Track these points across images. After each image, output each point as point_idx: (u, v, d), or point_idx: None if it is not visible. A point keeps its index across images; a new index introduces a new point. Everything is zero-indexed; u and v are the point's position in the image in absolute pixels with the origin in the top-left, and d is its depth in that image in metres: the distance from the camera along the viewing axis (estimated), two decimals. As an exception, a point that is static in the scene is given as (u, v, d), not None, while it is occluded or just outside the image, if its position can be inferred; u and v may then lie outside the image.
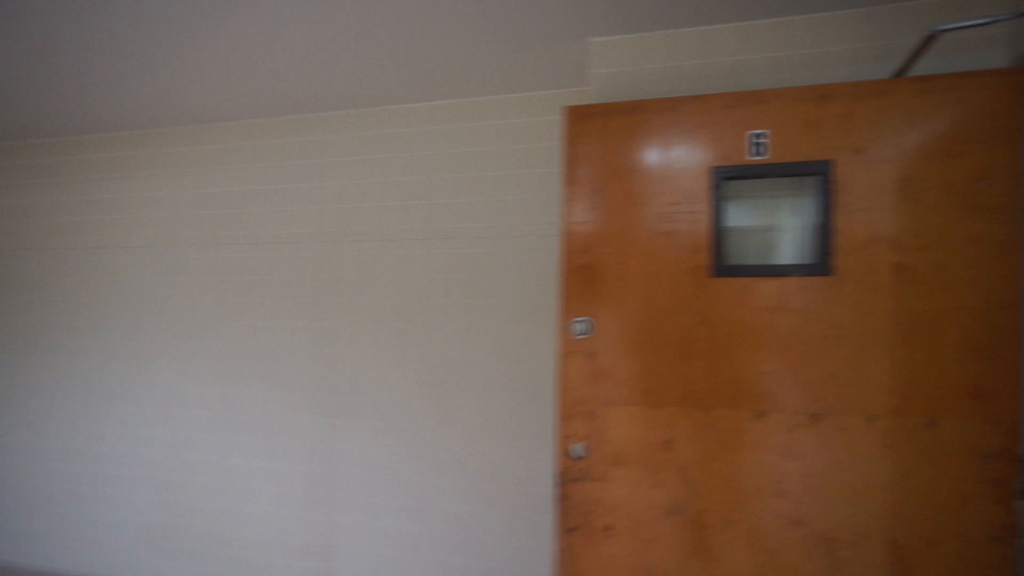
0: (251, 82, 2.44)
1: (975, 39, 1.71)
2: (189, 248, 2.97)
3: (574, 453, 1.88)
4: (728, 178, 1.76)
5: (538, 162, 2.48)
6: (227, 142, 2.93)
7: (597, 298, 1.84)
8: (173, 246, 3.00)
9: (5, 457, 3.26)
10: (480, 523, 2.51)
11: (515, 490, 2.47)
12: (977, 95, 1.58)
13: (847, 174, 1.66)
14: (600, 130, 1.84)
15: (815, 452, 1.67)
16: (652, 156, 1.81)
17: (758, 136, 1.73)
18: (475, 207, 2.55)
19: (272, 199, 2.83)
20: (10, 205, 3.30)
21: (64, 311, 3.17)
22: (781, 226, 1.81)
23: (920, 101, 1.62)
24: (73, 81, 2.44)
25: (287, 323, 2.79)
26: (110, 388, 3.08)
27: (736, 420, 1.73)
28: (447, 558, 2.54)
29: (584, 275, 1.85)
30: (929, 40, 1.46)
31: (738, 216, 1.83)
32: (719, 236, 1.75)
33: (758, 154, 1.73)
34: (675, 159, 1.79)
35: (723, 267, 1.75)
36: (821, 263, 1.67)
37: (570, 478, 1.87)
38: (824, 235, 1.67)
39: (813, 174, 1.70)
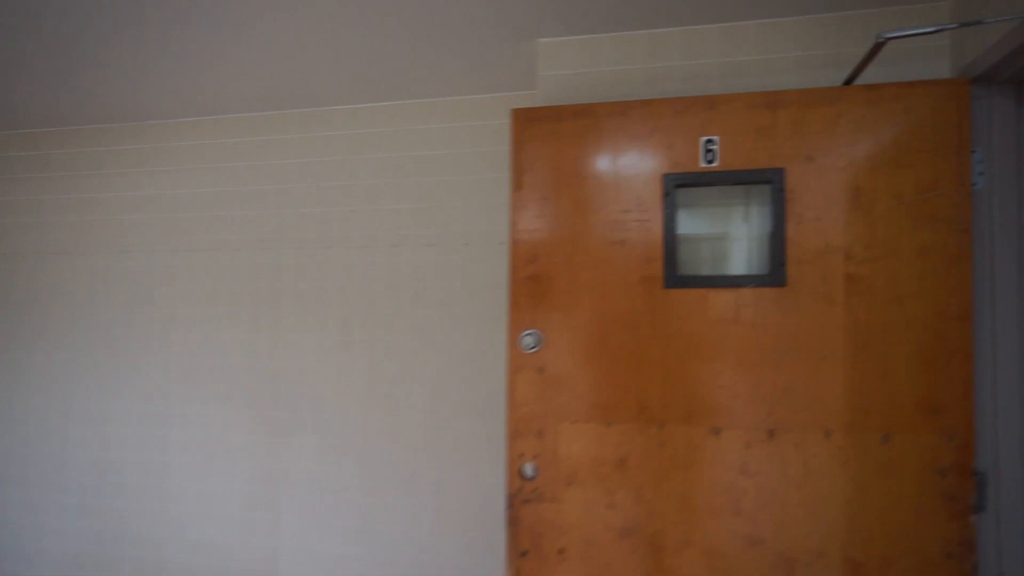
0: (180, 79, 2.28)
1: (919, 49, 1.70)
2: (116, 255, 2.78)
3: (525, 473, 1.78)
4: (680, 185, 1.70)
5: (488, 167, 2.39)
6: (157, 142, 2.77)
7: (547, 310, 1.76)
8: (98, 252, 2.81)
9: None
10: (431, 545, 2.39)
11: (467, 510, 2.37)
12: (923, 105, 1.56)
13: (799, 183, 1.62)
14: (548, 134, 1.76)
15: (772, 469, 1.62)
16: (602, 162, 1.73)
17: (710, 143, 1.68)
18: (423, 213, 2.45)
19: (207, 203, 2.68)
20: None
21: (-25, 326, 2.93)
22: (734, 235, 1.76)
23: (869, 110, 1.59)
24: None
25: (224, 335, 2.63)
26: (33, 407, 2.85)
27: (691, 437, 1.67)
28: (395, 584, 2.41)
29: (533, 286, 1.77)
30: (877, 48, 1.43)
31: (691, 224, 1.77)
32: (672, 245, 1.69)
33: (710, 161, 1.68)
34: (626, 165, 1.72)
35: (676, 277, 1.69)
36: (775, 274, 1.63)
37: (521, 500, 1.77)
38: (777, 245, 1.63)
39: (765, 182, 1.65)
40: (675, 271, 1.69)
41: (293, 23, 1.85)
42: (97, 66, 2.17)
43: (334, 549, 2.46)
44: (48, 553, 2.79)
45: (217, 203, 2.68)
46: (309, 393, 2.53)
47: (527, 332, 1.77)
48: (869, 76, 1.74)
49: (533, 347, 1.77)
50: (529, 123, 1.77)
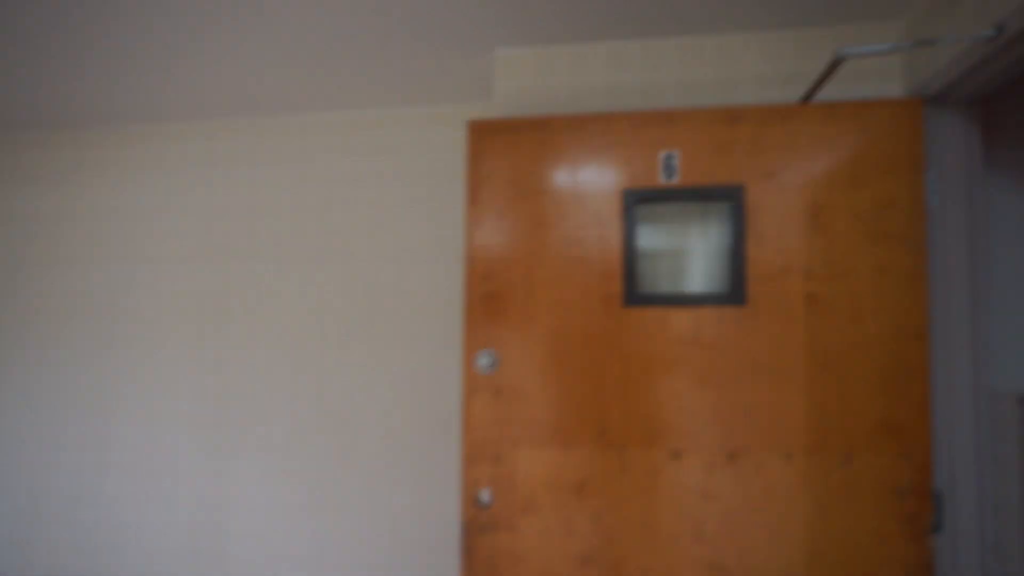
0: (120, 81, 2.14)
1: (873, 69, 1.71)
2: (51, 267, 2.61)
3: (481, 500, 1.70)
4: (640, 201, 1.66)
5: (445, 179, 2.32)
6: (97, 150, 2.61)
7: (503, 329, 1.69)
8: (31, 265, 2.62)
9: None
10: (386, 575, 2.28)
11: (424, 536, 2.27)
12: (879, 124, 1.56)
13: (758, 200, 1.60)
14: (505, 147, 1.70)
15: (733, 493, 1.58)
16: (561, 176, 1.68)
17: (670, 158, 1.65)
18: (377, 227, 2.36)
19: (149, 214, 2.54)
20: None
21: None
22: (694, 252, 1.72)
23: (827, 127, 1.58)
24: None
25: (167, 353, 2.49)
26: (-57, 435, 2.64)
27: (652, 460, 1.62)
28: (346, 617, 2.30)
29: (489, 303, 1.70)
30: (836, 64, 1.42)
31: (651, 241, 1.73)
32: (632, 263, 1.65)
33: (670, 176, 1.65)
34: (585, 180, 1.68)
35: (636, 296, 1.64)
36: (735, 292, 1.59)
37: (476, 528, 1.69)
38: (737, 263, 1.60)
39: (725, 199, 1.62)
40: (635, 289, 1.64)
41: (242, 30, 1.75)
42: (25, 73, 2.02)
43: (283, 579, 2.34)
44: (-35, 592, 2.58)
45: (159, 215, 2.54)
46: (258, 414, 2.41)
47: (482, 352, 1.70)
48: (825, 94, 1.74)
49: (489, 368, 1.69)
50: (485, 135, 1.71)
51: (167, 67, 2.02)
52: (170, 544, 2.43)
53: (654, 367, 1.62)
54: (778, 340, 1.57)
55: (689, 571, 1.58)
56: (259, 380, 2.42)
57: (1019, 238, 1.68)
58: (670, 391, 1.61)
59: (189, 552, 2.41)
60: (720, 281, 1.68)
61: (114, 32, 1.79)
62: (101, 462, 2.52)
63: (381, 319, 2.35)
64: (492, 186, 1.70)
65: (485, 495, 1.70)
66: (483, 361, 1.69)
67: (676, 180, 1.65)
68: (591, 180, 1.67)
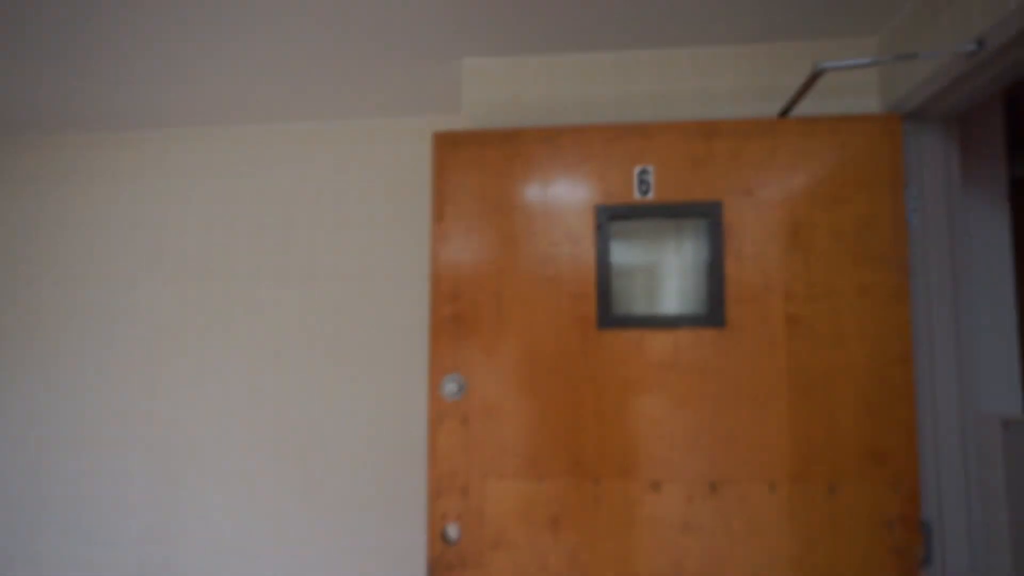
0: (68, 91, 2.01)
1: (848, 84, 1.68)
2: (-17, 288, 2.43)
3: (448, 536, 1.59)
4: (614, 217, 1.59)
5: (411, 195, 2.23)
6: (35, 158, 2.45)
7: (471, 352, 1.59)
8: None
9: None
10: (348, 616, 2.14)
11: (391, 573, 2.13)
12: (858, 140, 1.52)
13: (737, 217, 1.54)
14: (473, 161, 1.61)
15: (715, 525, 1.49)
16: (531, 191, 1.60)
17: (644, 173, 1.58)
18: (341, 244, 2.26)
19: (96, 228, 2.38)
20: None
21: None
22: (670, 272, 1.65)
23: (805, 142, 1.54)
24: None
25: (113, 377, 2.34)
26: None
27: (629, 492, 1.52)
28: (306, 663, 2.14)
29: (456, 325, 1.60)
30: (814, 78, 1.38)
31: (626, 259, 1.66)
32: (606, 283, 1.57)
33: (645, 192, 1.58)
34: (556, 195, 1.60)
35: (611, 317, 1.56)
36: (713, 314, 1.52)
37: (443, 567, 1.58)
38: (716, 283, 1.53)
39: (702, 216, 1.56)
40: (609, 310, 1.56)
41: (196, 33, 1.64)
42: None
43: (238, 621, 2.17)
44: None
45: (109, 230, 2.39)
46: (212, 443, 2.27)
47: (449, 378, 1.59)
48: (801, 110, 1.70)
49: (456, 394, 1.59)
50: (452, 148, 1.62)
51: (115, 77, 1.90)
52: (114, 585, 2.26)
53: (631, 393, 1.54)
54: (759, 363, 1.50)
55: (669, 611, 1.48)
56: (214, 406, 2.28)
57: (997, 256, 1.65)
58: (648, 418, 1.53)
59: (135, 593, 2.24)
60: (698, 302, 1.61)
61: (68, 41, 1.67)
62: (37, 496, 2.33)
63: (345, 341, 2.23)
64: (459, 201, 1.61)
65: (452, 531, 1.59)
66: (450, 387, 1.58)
67: (651, 196, 1.58)
68: (563, 195, 1.59)
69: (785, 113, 1.56)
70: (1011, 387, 1.59)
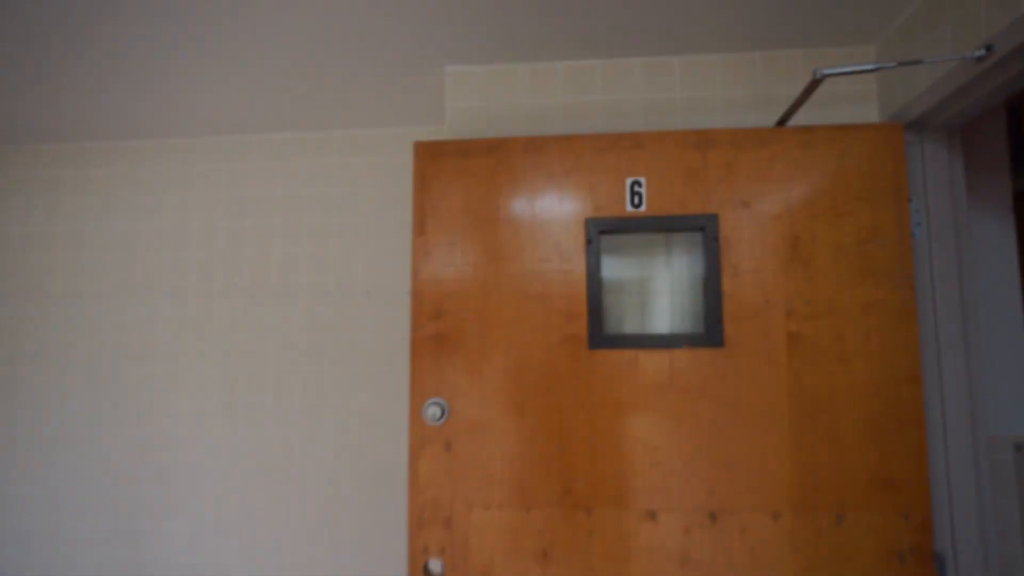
0: (30, 97, 1.91)
1: (846, 93, 1.62)
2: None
3: (431, 572, 1.48)
4: (605, 231, 1.51)
5: (393, 207, 2.15)
6: (5, 171, 2.34)
7: (455, 374, 1.50)
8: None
9: None
10: (324, 653, 2.02)
11: (370, 605, 2.02)
12: (858, 150, 1.46)
13: (734, 230, 1.47)
14: (456, 171, 1.53)
15: (716, 558, 1.40)
16: (518, 203, 1.52)
17: (636, 184, 1.50)
18: (319, 259, 2.16)
19: (63, 243, 2.27)
20: None
21: None
22: (665, 288, 1.57)
23: (803, 153, 1.47)
24: None
25: (78, 398, 2.21)
26: None
27: (624, 522, 1.43)
28: None
29: (438, 345, 1.51)
30: (814, 85, 1.31)
31: (618, 275, 1.58)
32: (597, 300, 1.48)
33: (637, 205, 1.50)
34: (544, 208, 1.52)
35: (602, 337, 1.47)
36: (711, 332, 1.44)
37: (425, 605, 1.46)
38: (713, 300, 1.45)
39: (698, 229, 1.48)
40: (601, 329, 1.47)
41: (168, 42, 1.55)
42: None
43: (208, 660, 2.04)
44: None
45: (77, 243, 2.28)
46: (183, 467, 2.15)
47: (431, 401, 1.50)
48: (798, 119, 1.64)
49: (438, 418, 1.49)
50: (434, 158, 1.54)
51: (87, 87, 1.80)
52: (76, 622, 2.12)
53: (624, 417, 1.45)
54: (760, 385, 1.41)
55: (668, 652, 1.38)
56: (186, 428, 2.16)
57: (1004, 271, 1.59)
58: (643, 444, 1.44)
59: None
60: (695, 320, 1.53)
61: (37, 52, 1.58)
62: (-3, 528, 2.20)
63: (322, 360, 2.13)
64: (442, 214, 1.53)
65: (435, 566, 1.48)
66: (432, 410, 1.49)
67: (644, 208, 1.50)
68: (551, 208, 1.51)
69: (783, 122, 1.50)
70: (1021, 408, 1.52)
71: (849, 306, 1.41)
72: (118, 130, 2.19)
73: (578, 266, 1.49)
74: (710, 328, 1.45)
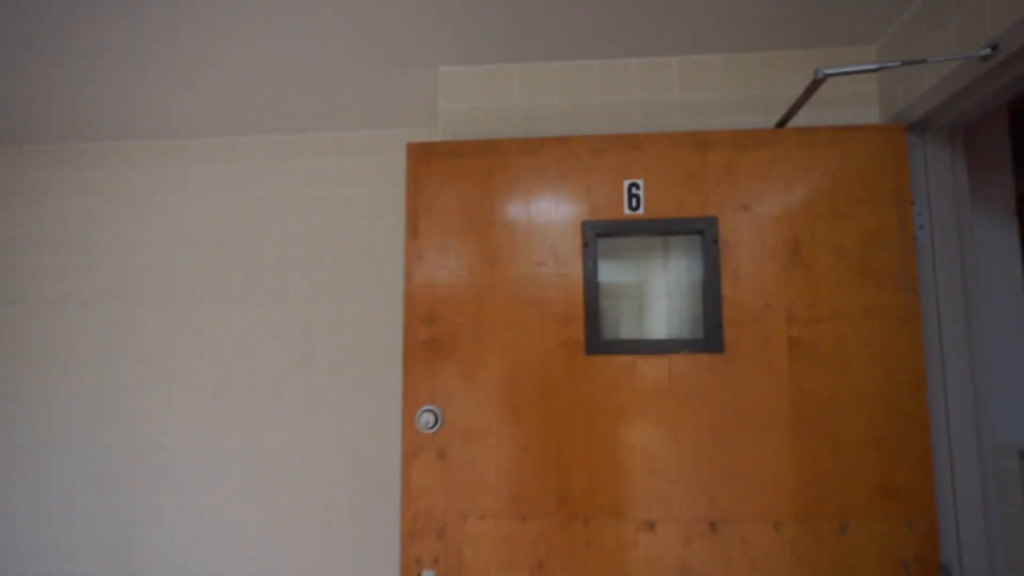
0: (19, 98, 1.87)
1: (847, 95, 1.60)
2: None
3: (423, 584, 1.45)
4: (602, 234, 1.47)
5: (386, 210, 2.11)
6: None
7: (448, 380, 1.46)
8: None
9: None
10: (315, 665, 1.98)
11: (362, 618, 1.99)
12: (860, 151, 1.43)
13: (733, 233, 1.44)
14: (450, 173, 1.50)
15: (716, 569, 1.36)
16: (513, 206, 1.49)
17: (634, 186, 1.47)
18: (311, 262, 2.13)
19: (51, 246, 2.23)
20: None
21: None
22: (663, 292, 1.54)
23: (804, 154, 1.44)
24: None
25: (67, 404, 2.17)
26: None
27: (622, 533, 1.39)
28: None
29: (432, 351, 1.47)
30: (815, 85, 1.29)
31: (615, 279, 1.55)
32: (594, 304, 1.45)
33: (635, 207, 1.47)
34: (540, 210, 1.48)
35: (599, 342, 1.44)
36: (711, 338, 1.41)
37: (418, 617, 1.43)
38: (712, 304, 1.42)
39: (697, 232, 1.46)
40: (598, 335, 1.44)
41: (159, 42, 1.51)
42: None
43: (198, 672, 2.00)
44: None
45: (64, 246, 2.24)
46: (175, 474, 2.11)
47: (425, 408, 1.46)
48: (799, 121, 1.61)
49: (432, 426, 1.46)
50: (427, 160, 1.50)
51: (76, 88, 1.76)
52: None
53: (622, 424, 1.41)
54: (761, 391, 1.38)
55: (667, 666, 1.35)
56: (176, 435, 2.12)
57: (1007, 275, 1.56)
58: (641, 452, 1.40)
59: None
60: (694, 325, 1.50)
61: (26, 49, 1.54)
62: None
63: (315, 365, 2.09)
64: (435, 217, 1.49)
65: (429, 578, 1.44)
66: (425, 417, 1.45)
67: (642, 211, 1.47)
68: (547, 211, 1.48)
69: (783, 123, 1.47)
70: (1026, 414, 1.49)
71: (851, 310, 1.38)
72: (107, 132, 2.15)
73: (575, 270, 1.46)
74: (709, 333, 1.41)
